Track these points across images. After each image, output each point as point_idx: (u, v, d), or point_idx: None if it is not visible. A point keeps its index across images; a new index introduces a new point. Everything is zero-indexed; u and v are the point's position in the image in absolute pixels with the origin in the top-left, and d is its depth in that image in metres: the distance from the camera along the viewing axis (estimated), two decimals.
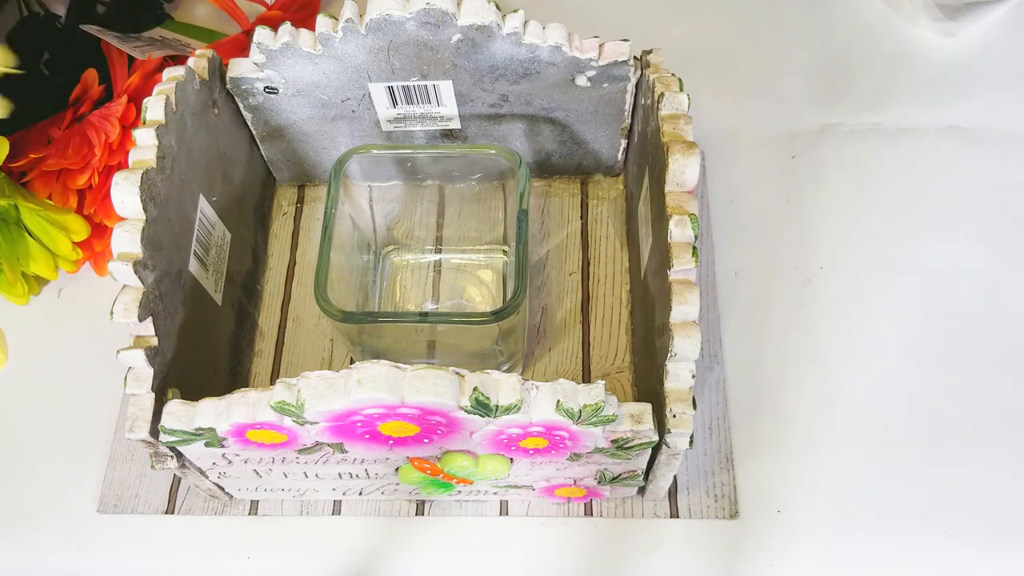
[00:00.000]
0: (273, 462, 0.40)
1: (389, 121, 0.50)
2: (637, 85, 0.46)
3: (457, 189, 0.50)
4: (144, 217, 0.38)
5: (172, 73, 0.43)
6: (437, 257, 0.52)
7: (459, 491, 0.43)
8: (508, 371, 0.40)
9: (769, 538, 0.44)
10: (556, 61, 0.45)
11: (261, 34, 0.45)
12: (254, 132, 0.50)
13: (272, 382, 0.46)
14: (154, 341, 0.38)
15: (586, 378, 0.48)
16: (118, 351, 0.38)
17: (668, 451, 0.38)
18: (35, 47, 0.61)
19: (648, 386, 0.41)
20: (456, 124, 0.50)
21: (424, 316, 0.45)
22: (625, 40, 0.45)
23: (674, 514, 0.45)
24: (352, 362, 0.43)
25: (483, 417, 0.35)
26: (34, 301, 0.53)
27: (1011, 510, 0.44)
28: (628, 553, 0.44)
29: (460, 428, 0.36)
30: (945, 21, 0.59)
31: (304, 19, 0.61)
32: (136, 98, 0.51)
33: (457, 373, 0.34)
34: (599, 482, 0.42)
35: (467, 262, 0.52)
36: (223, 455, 0.39)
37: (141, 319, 0.38)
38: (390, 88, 0.47)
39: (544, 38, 0.44)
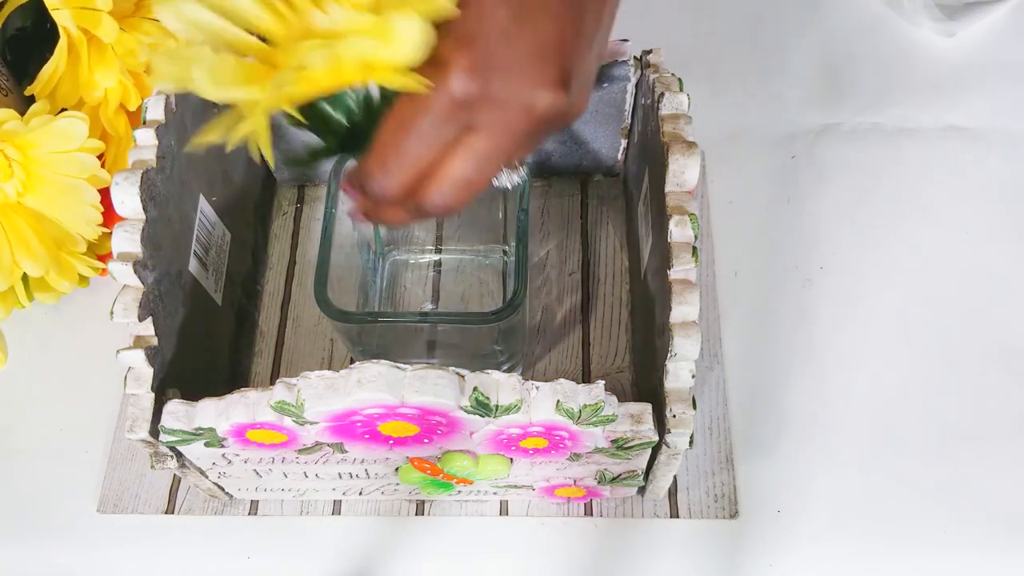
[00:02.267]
0: (273, 462, 0.40)
1: None
2: (637, 85, 0.46)
3: None
4: (144, 217, 0.38)
5: None
6: (437, 257, 0.52)
7: (459, 491, 0.43)
8: (508, 371, 0.40)
9: (769, 538, 0.44)
10: None
11: None
12: None
13: (272, 382, 0.46)
14: (154, 341, 0.38)
15: (586, 378, 0.48)
16: (118, 351, 0.38)
17: (668, 451, 0.38)
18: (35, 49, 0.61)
19: (648, 386, 0.41)
20: None
21: (424, 316, 0.45)
22: (625, 40, 0.45)
23: (674, 514, 0.45)
24: (352, 362, 0.43)
25: (483, 417, 0.35)
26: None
27: (1011, 510, 0.44)
28: (628, 553, 0.44)
29: (460, 428, 0.36)
30: (945, 21, 0.59)
31: None
32: None
33: (457, 373, 0.34)
34: (599, 482, 0.42)
35: (467, 262, 0.51)
36: (223, 455, 0.39)
37: (141, 319, 0.38)
38: None
39: None
